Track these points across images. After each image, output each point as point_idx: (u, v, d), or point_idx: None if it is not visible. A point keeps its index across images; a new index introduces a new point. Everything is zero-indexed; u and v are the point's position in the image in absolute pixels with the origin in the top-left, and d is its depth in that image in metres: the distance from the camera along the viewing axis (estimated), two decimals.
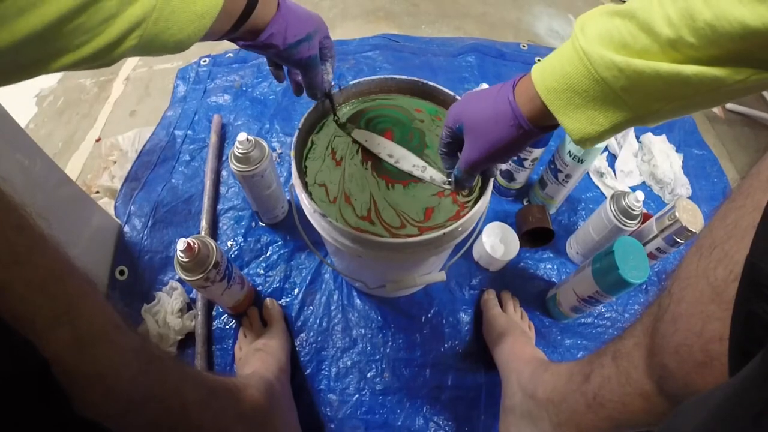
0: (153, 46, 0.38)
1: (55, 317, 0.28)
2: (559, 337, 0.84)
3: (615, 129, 0.40)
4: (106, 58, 0.35)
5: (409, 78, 0.68)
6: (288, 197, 0.89)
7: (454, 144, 0.54)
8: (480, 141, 0.48)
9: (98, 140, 1.06)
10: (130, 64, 1.23)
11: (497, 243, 0.87)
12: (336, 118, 0.66)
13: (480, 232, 0.83)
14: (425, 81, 0.67)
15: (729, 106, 1.29)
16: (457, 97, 0.64)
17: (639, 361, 0.43)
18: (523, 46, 1.31)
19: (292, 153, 0.60)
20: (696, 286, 0.34)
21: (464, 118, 0.50)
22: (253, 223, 0.91)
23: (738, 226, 0.32)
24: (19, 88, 1.17)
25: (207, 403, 0.46)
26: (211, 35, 0.43)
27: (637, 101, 0.37)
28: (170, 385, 0.41)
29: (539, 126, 0.45)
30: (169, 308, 0.77)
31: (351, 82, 0.67)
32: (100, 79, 1.20)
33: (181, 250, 0.61)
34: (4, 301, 0.26)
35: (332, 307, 0.83)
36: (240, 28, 0.46)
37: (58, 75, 1.21)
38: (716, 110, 1.29)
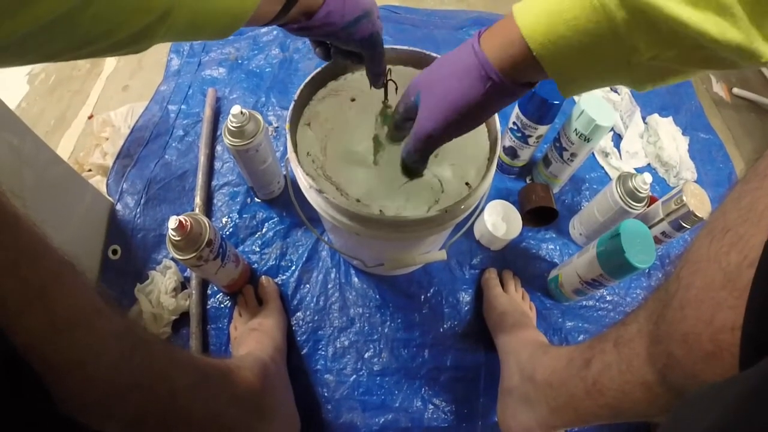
0: (188, 35, 0.35)
1: (27, 301, 0.27)
2: (560, 319, 0.82)
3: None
4: (133, 47, 0.33)
5: (412, 49, 0.64)
6: (284, 172, 0.87)
7: (410, 121, 0.48)
8: (439, 104, 0.41)
9: (90, 117, 1.03)
10: None
11: (499, 221, 0.85)
12: (386, 102, 0.61)
13: (482, 210, 0.81)
14: (428, 52, 0.64)
15: (735, 90, 1.26)
16: None
17: (641, 349, 0.42)
18: None
19: (287, 126, 0.57)
20: (707, 271, 0.32)
21: (421, 84, 0.43)
22: (249, 199, 0.89)
23: (754, 208, 0.30)
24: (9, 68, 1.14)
25: (198, 388, 0.44)
26: (257, 20, 0.39)
27: None
28: (157, 371, 0.39)
29: (513, 79, 0.38)
30: (162, 288, 0.75)
31: None
32: None
33: (172, 228, 0.59)
34: None
35: (329, 286, 0.82)
36: (290, 10, 0.42)
37: None
38: (722, 93, 1.27)
